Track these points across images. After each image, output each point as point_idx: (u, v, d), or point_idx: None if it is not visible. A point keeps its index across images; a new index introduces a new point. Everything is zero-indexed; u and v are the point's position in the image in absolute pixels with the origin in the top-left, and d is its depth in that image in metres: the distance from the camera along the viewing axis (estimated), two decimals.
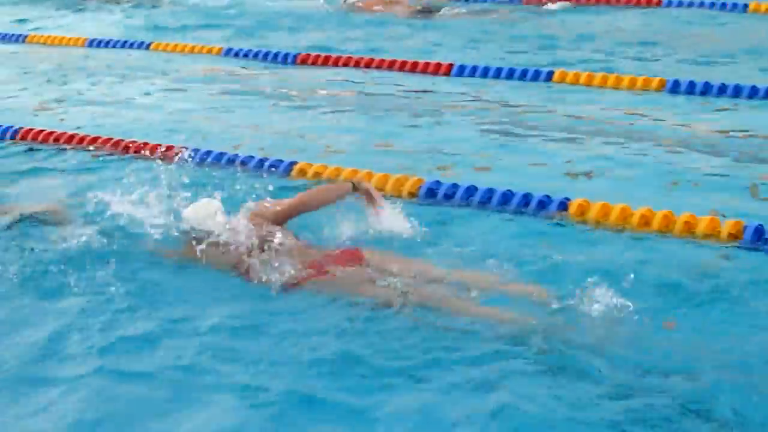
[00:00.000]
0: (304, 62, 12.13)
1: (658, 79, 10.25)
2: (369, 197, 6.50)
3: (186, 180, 6.73)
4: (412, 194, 7.44)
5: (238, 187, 7.13)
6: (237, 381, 4.98)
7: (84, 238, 6.41)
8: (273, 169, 8.03)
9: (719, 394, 4.75)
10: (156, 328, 5.50)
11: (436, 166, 8.07)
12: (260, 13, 15.34)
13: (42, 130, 9.26)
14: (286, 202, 6.37)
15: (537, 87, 10.57)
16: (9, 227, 6.84)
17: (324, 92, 10.84)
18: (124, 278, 6.00)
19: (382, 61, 11.69)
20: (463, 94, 10.46)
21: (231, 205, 6.44)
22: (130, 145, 8.73)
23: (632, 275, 5.72)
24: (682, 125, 9.08)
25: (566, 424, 4.58)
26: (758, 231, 6.45)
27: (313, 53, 12.28)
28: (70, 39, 14.18)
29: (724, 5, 13.75)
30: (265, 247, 6.03)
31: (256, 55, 12.53)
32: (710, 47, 11.91)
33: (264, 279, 5.87)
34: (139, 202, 6.47)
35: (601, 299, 5.40)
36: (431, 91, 10.63)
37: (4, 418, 4.84)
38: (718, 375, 4.91)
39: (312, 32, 13.86)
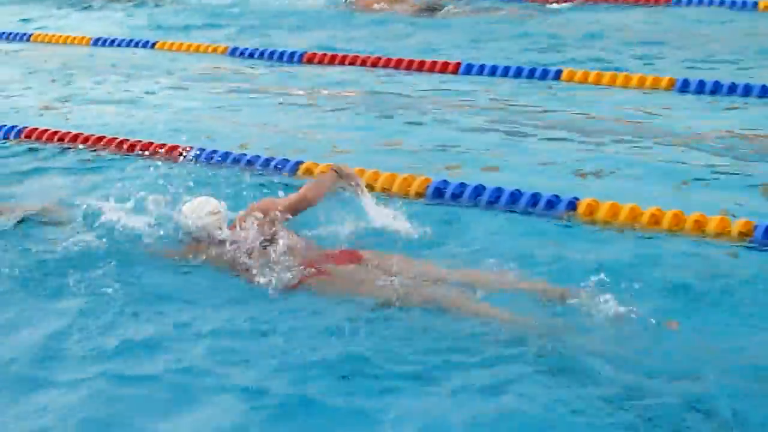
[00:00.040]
0: (310, 61, 12.13)
1: (667, 78, 10.24)
2: (351, 180, 6.48)
3: (191, 180, 6.76)
4: (419, 194, 7.44)
5: (243, 186, 7.17)
6: (237, 381, 4.99)
7: (85, 238, 6.42)
8: (279, 168, 8.04)
9: (727, 394, 4.74)
10: (156, 329, 5.50)
11: (444, 165, 8.07)
12: (264, 11, 15.33)
13: (46, 130, 9.27)
14: (288, 199, 6.36)
15: (545, 86, 10.56)
16: (12, 226, 6.85)
17: (330, 91, 10.84)
18: (124, 278, 6.00)
19: (389, 59, 11.68)
20: (470, 92, 10.46)
21: (237, 205, 6.46)
22: (135, 144, 8.74)
23: (641, 275, 5.74)
24: (692, 124, 9.07)
25: (572, 425, 4.58)
26: None
27: (320, 52, 12.28)
28: (74, 38, 14.20)
29: (734, 3, 13.74)
30: (267, 247, 6.04)
31: (261, 54, 12.53)
32: (720, 46, 11.89)
33: (264, 279, 5.87)
34: (142, 202, 6.49)
35: (610, 299, 5.40)
36: (439, 90, 10.63)
37: (4, 419, 4.85)
38: (727, 376, 4.90)
39: (316, 31, 13.85)
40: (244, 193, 7.00)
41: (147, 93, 11.08)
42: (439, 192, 7.41)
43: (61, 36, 14.41)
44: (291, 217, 6.29)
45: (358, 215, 6.50)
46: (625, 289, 5.51)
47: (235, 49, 12.74)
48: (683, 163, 8.07)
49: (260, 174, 7.93)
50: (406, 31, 13.65)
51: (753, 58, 11.29)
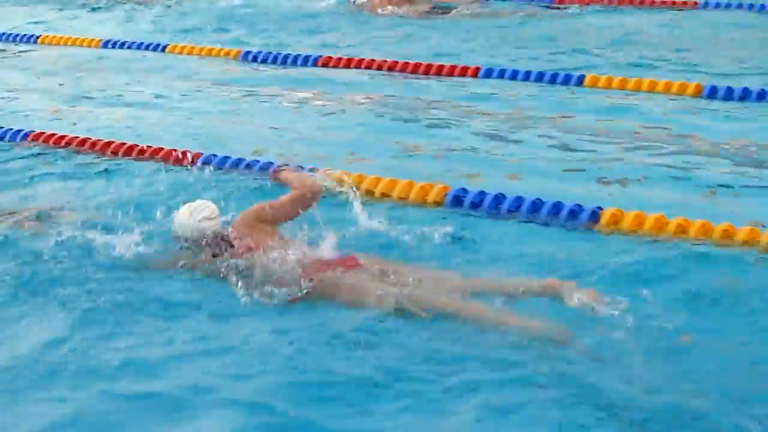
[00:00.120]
0: (325, 65, 12.11)
1: (694, 84, 10.19)
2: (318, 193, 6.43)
3: (200, 186, 6.74)
4: (437, 202, 7.41)
5: (255, 193, 7.14)
6: (234, 392, 4.96)
7: (87, 242, 6.43)
8: None
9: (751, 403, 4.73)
10: (151, 342, 5.48)
11: (463, 173, 8.04)
12: (275, 14, 15.31)
13: (53, 134, 9.28)
14: (279, 201, 6.30)
15: (567, 91, 10.52)
16: (13, 230, 6.85)
17: (346, 96, 10.81)
18: (116, 290, 5.97)
19: (406, 63, 11.65)
20: (490, 98, 10.43)
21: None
22: (145, 149, 8.73)
23: (666, 287, 5.73)
24: (720, 132, 9.01)
25: None
26: None
27: (335, 56, 12.26)
28: (83, 40, 14.22)
29: (763, 7, 13.68)
30: (262, 256, 6.00)
31: (275, 58, 12.52)
32: (749, 51, 11.84)
33: (262, 290, 5.81)
34: (150, 209, 6.48)
35: (631, 310, 5.37)
36: (457, 95, 10.59)
37: None
38: (756, 386, 4.89)
39: (329, 34, 13.84)
40: (254, 201, 6.97)
41: (157, 97, 11.09)
42: (457, 200, 7.38)
43: (69, 38, 14.43)
44: (287, 218, 6.23)
45: (353, 222, 6.49)
46: (650, 302, 5.48)
47: (247, 53, 12.73)
48: (711, 171, 8.02)
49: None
50: (421, 33, 13.62)
51: None
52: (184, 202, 6.33)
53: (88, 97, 11.19)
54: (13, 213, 7.18)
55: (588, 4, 14.56)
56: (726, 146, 8.63)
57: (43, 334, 5.59)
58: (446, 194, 7.44)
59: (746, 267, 6.27)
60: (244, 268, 5.98)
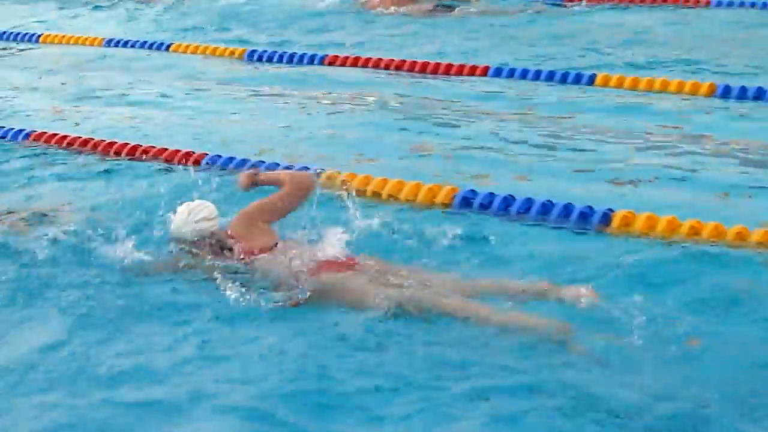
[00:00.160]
0: (331, 64, 12.10)
1: (707, 83, 10.16)
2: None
3: (204, 187, 6.73)
4: (445, 204, 7.39)
5: (257, 194, 7.11)
6: (234, 396, 4.96)
7: (87, 244, 6.43)
8: None
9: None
10: (147, 346, 5.47)
11: (472, 174, 8.03)
12: (280, 13, 15.28)
13: (55, 134, 9.29)
14: (271, 199, 6.26)
15: (578, 90, 10.50)
16: (13, 230, 6.85)
17: (353, 96, 10.81)
18: (114, 292, 5.98)
19: (414, 62, 11.63)
20: (499, 97, 10.41)
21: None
22: (149, 150, 8.73)
23: (679, 290, 5.73)
24: (733, 132, 8.99)
25: None
26: None
27: (341, 55, 12.24)
28: (86, 38, 14.23)
29: None
30: (261, 258, 5.98)
31: (281, 57, 12.51)
32: (763, 50, 11.80)
33: (260, 293, 5.79)
34: (151, 210, 6.47)
35: (641, 313, 5.36)
36: (466, 95, 10.58)
37: None
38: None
39: (335, 32, 13.83)
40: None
41: (161, 96, 11.10)
42: (466, 202, 7.36)
43: (71, 37, 14.44)
44: (283, 213, 6.21)
45: (350, 224, 6.48)
46: (661, 305, 5.48)
47: (252, 52, 12.71)
48: (724, 172, 8.00)
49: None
50: (426, 32, 13.59)
51: None
52: (182, 202, 6.33)
53: (90, 97, 11.20)
54: (14, 213, 7.18)
55: (598, 2, 14.52)
56: (740, 147, 8.61)
57: (42, 337, 5.59)
58: (455, 195, 7.42)
59: (760, 270, 6.25)
60: (243, 271, 5.96)
